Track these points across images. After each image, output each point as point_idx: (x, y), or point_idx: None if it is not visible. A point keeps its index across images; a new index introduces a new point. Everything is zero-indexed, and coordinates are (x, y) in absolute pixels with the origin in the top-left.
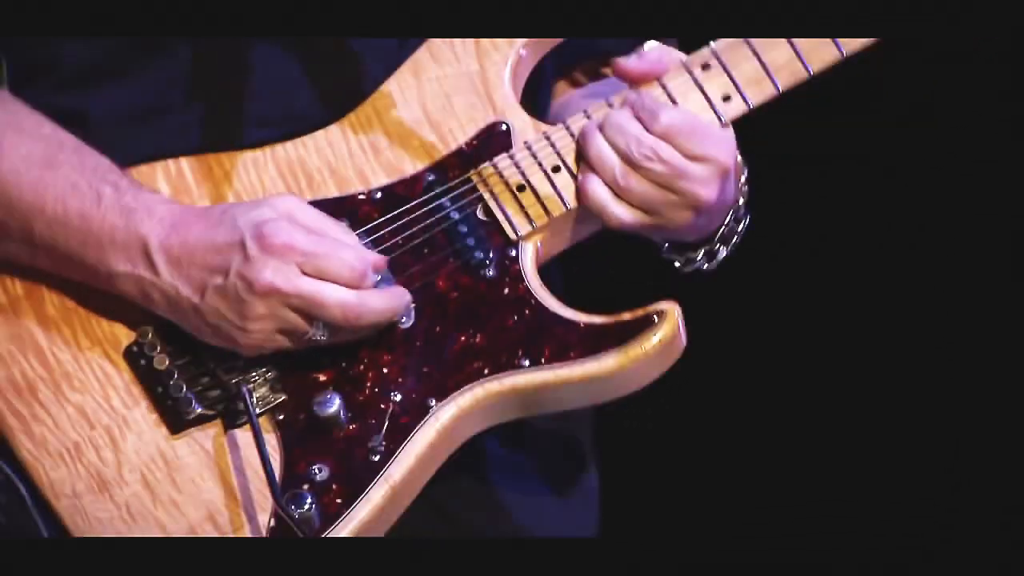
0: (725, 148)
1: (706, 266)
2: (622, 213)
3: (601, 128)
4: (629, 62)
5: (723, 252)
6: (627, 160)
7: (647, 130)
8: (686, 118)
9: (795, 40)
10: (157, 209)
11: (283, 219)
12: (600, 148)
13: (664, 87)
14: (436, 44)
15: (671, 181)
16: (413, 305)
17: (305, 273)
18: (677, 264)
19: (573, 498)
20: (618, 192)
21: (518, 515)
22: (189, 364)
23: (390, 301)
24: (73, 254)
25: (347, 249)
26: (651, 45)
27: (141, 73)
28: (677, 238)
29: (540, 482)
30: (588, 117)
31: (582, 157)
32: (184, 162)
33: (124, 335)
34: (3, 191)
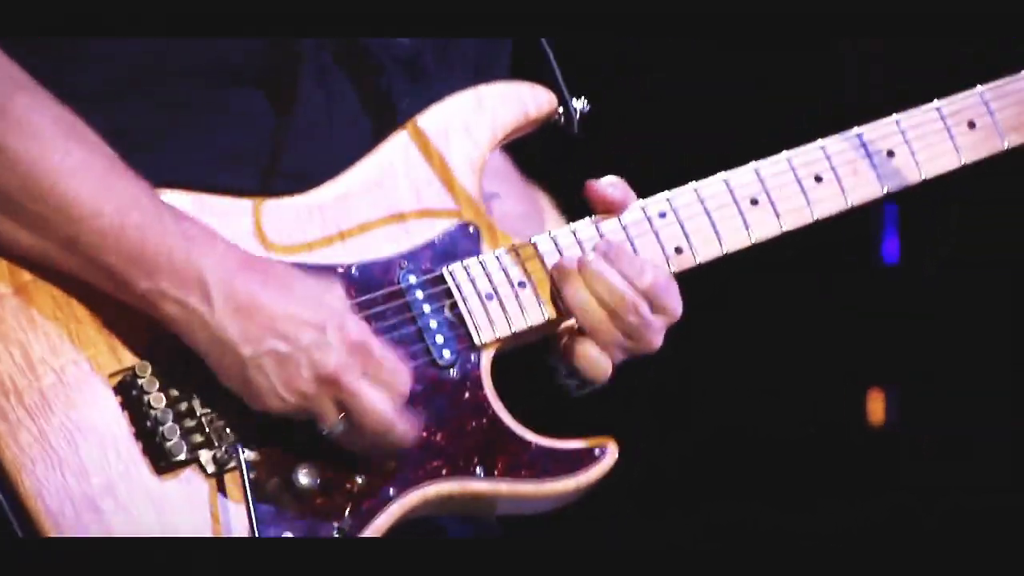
0: (679, 301)
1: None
2: (601, 358)
3: (582, 273)
4: (606, 189)
5: None
6: (610, 312)
7: (630, 284)
8: (664, 276)
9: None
10: (218, 245)
11: (351, 313)
12: (583, 296)
13: (625, 230)
14: (410, 134)
15: (639, 331)
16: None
17: (364, 374)
18: (569, 390)
19: None
20: (594, 337)
21: None
22: (180, 406)
23: (412, 432)
24: (116, 265)
25: (400, 363)
26: (613, 179)
27: (150, 97)
28: None
29: None
30: (555, 242)
31: (558, 294)
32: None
33: (117, 362)
34: (59, 189)
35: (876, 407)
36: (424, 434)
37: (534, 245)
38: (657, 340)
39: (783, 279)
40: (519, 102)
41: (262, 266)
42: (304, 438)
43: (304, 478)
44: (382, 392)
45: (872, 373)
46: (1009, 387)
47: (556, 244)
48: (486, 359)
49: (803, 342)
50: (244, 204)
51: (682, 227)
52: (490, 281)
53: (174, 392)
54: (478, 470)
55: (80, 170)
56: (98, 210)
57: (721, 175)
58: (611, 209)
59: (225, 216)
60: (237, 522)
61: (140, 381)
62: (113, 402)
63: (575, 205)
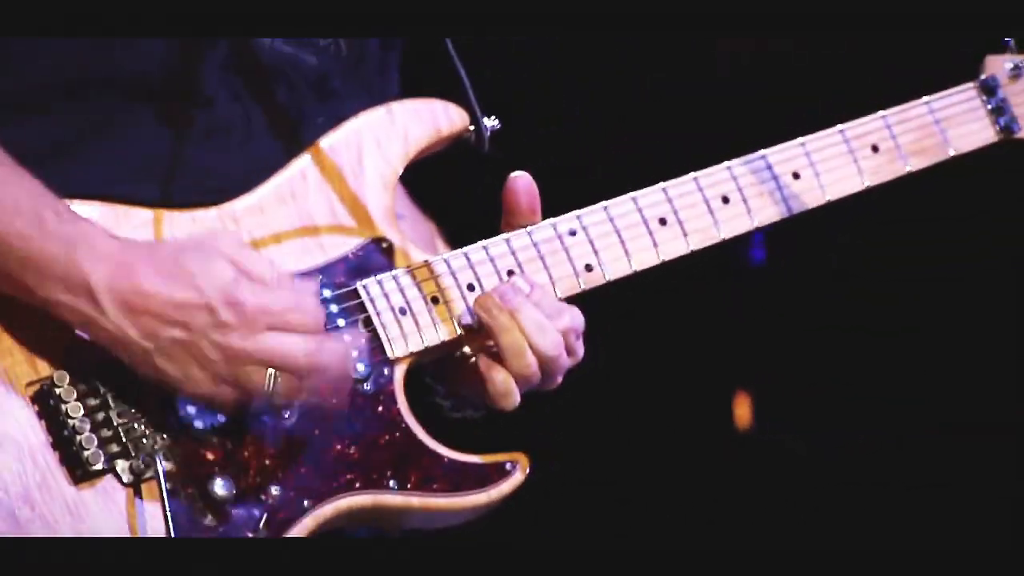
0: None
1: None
2: (515, 394)
3: (516, 318)
4: (527, 187)
5: None
6: (541, 359)
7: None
8: (580, 320)
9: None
10: (99, 244)
11: (243, 277)
12: (519, 342)
13: (536, 247)
14: (324, 149)
15: (555, 370)
16: (296, 403)
17: (271, 328)
18: (450, 411)
19: None
20: (510, 370)
21: None
22: (97, 416)
23: (344, 345)
24: (13, 272)
25: (306, 296)
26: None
27: (63, 110)
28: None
29: None
30: (467, 258)
31: (487, 331)
32: (96, 207)
33: (34, 371)
34: None
35: (743, 411)
36: (338, 447)
37: (446, 261)
38: (559, 379)
39: (652, 282)
40: (431, 119)
41: (143, 254)
42: (215, 446)
43: (220, 488)
44: (296, 335)
45: (739, 376)
46: (883, 388)
47: (468, 260)
48: (399, 373)
49: (673, 343)
50: (148, 215)
51: (592, 245)
52: (403, 296)
53: (92, 402)
54: (391, 483)
55: None
56: None
57: (630, 195)
58: (521, 211)
59: (131, 226)
60: (153, 531)
61: (58, 391)
62: (30, 411)
63: (482, 222)
